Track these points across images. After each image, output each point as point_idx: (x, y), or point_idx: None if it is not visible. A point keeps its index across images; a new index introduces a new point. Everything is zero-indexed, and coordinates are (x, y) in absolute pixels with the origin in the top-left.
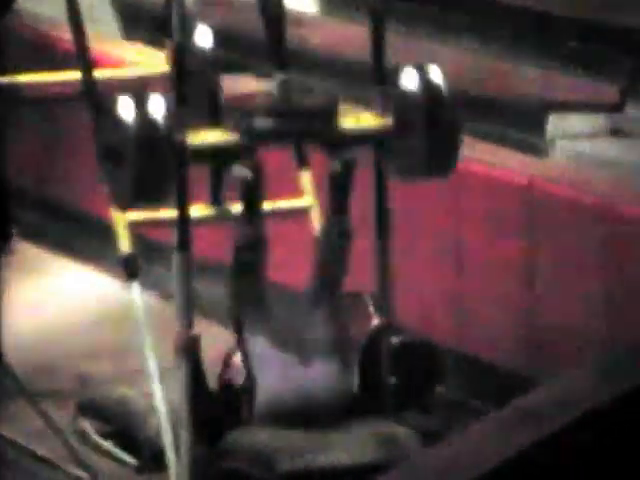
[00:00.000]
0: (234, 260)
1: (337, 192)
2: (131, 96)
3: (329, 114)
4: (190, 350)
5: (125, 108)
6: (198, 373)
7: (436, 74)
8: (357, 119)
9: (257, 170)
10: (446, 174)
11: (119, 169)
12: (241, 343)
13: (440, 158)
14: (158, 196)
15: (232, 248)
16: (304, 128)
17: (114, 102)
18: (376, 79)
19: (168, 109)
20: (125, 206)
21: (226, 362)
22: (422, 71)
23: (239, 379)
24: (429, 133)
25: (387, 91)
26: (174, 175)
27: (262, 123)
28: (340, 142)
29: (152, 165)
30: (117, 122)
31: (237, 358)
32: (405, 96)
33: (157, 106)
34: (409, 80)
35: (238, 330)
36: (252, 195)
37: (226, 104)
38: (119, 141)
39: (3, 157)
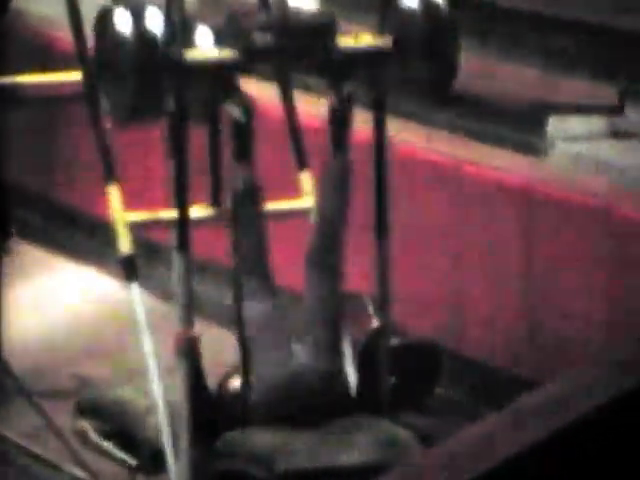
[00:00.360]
0: (232, 211)
1: (337, 128)
2: (129, 8)
3: (327, 31)
4: (190, 351)
5: (123, 22)
6: (198, 373)
7: None
8: (356, 38)
9: (248, 109)
10: (445, 93)
11: (118, 84)
12: (241, 340)
13: (440, 77)
14: (156, 110)
15: (228, 198)
16: (302, 44)
17: (112, 15)
18: None
19: (166, 24)
20: (124, 120)
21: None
22: None
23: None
24: (429, 52)
25: (386, 10)
26: (172, 90)
27: (260, 39)
28: (338, 62)
29: (150, 80)
30: (114, 37)
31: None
32: (405, 15)
33: (155, 20)
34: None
35: (237, 296)
36: (244, 138)
37: (224, 21)
38: (116, 57)
39: (2, 157)
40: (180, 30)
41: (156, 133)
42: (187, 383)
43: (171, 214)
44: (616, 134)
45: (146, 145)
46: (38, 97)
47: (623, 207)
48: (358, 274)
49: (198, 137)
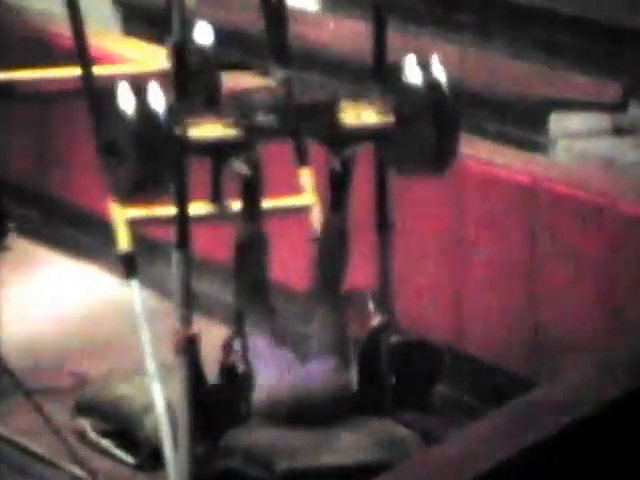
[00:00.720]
0: (236, 257)
1: (336, 190)
2: (131, 87)
3: (330, 110)
4: (189, 349)
5: (125, 100)
6: (197, 372)
7: (438, 69)
8: (358, 115)
9: (256, 166)
10: (446, 169)
11: (119, 162)
12: (241, 336)
13: (442, 154)
14: (157, 189)
15: (234, 245)
16: (304, 124)
17: (113, 93)
18: (377, 75)
19: (168, 102)
20: (124, 199)
21: (227, 347)
22: (424, 66)
23: (240, 367)
24: (432, 129)
25: (389, 87)
26: (173, 168)
27: (262, 118)
28: (341, 138)
29: (151, 158)
30: (117, 114)
31: (237, 346)
32: (407, 92)
33: (157, 98)
34: (411, 76)
35: (238, 327)
36: (251, 191)
37: (226, 99)
38: (119, 134)
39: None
40: (180, 27)
41: None
42: (186, 381)
43: (170, 211)
44: (619, 131)
45: None
46: (36, 93)
47: (626, 204)
48: (360, 272)
49: None
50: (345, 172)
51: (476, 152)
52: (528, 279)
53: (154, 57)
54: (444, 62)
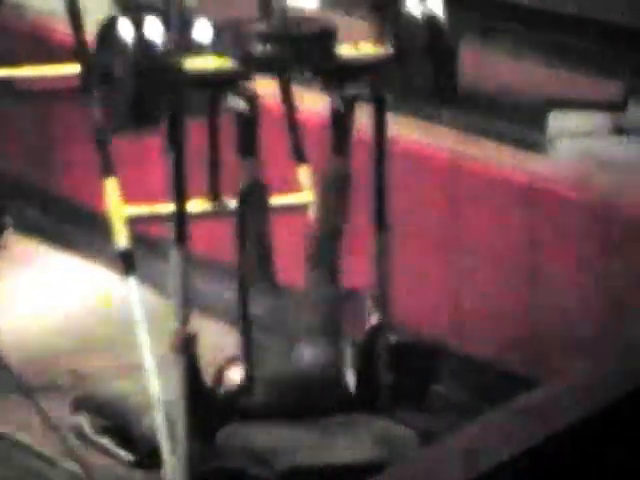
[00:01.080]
0: (238, 205)
1: (338, 132)
2: (129, 18)
3: (327, 40)
4: (187, 348)
5: (123, 30)
6: (195, 370)
7: (436, 2)
8: (356, 47)
9: (253, 101)
10: (445, 100)
11: (115, 92)
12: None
13: (440, 85)
14: (154, 119)
15: (238, 191)
16: (301, 54)
17: (112, 23)
18: (374, 5)
19: (165, 34)
20: (121, 127)
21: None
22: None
23: (237, 378)
24: (430, 60)
25: (387, 18)
26: (170, 99)
27: (259, 49)
28: (339, 70)
29: (148, 88)
30: (115, 44)
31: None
32: (405, 23)
33: (154, 29)
34: (409, 7)
35: (243, 294)
36: (249, 129)
37: (222, 29)
38: (116, 63)
39: None
40: (180, 38)
41: None
42: (184, 381)
43: (169, 208)
44: (618, 131)
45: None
46: (35, 90)
47: (625, 204)
48: (358, 271)
49: (196, 130)
50: (347, 112)
51: (474, 151)
52: (528, 278)
53: None
54: None
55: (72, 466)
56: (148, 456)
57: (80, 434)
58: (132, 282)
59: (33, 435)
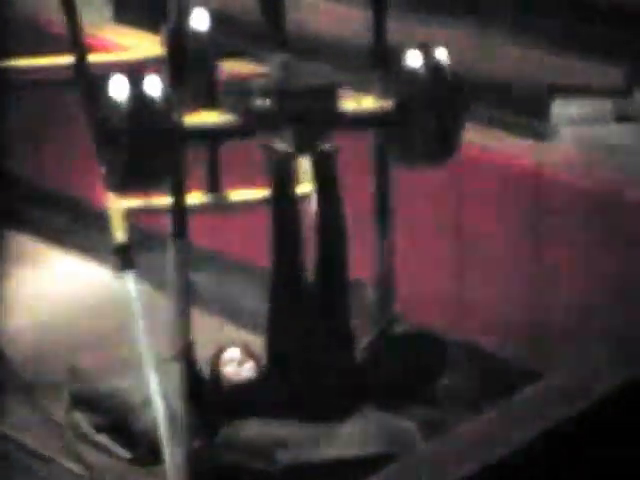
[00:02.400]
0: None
1: (321, 182)
2: (126, 75)
3: (328, 95)
4: (186, 355)
5: (120, 88)
6: (194, 375)
7: (440, 54)
8: (358, 102)
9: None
10: (447, 159)
11: (114, 151)
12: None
13: (442, 143)
14: (153, 178)
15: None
16: (302, 110)
17: (109, 81)
18: (377, 60)
19: (164, 89)
20: (120, 189)
21: (218, 357)
22: (426, 52)
23: (241, 372)
24: (432, 117)
25: (389, 73)
26: (170, 157)
27: (260, 104)
28: (340, 124)
29: (147, 146)
30: (112, 102)
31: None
32: (408, 78)
33: (153, 86)
34: (412, 61)
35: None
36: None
37: (223, 85)
38: (114, 122)
39: None
40: (179, 95)
41: None
42: (184, 386)
43: (167, 201)
44: (622, 118)
45: None
46: (31, 81)
47: (629, 191)
48: (360, 261)
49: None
50: (326, 164)
51: (478, 139)
52: (531, 267)
53: (148, 44)
54: (446, 48)
55: (71, 463)
56: (147, 453)
57: (78, 431)
58: (130, 277)
59: (32, 432)
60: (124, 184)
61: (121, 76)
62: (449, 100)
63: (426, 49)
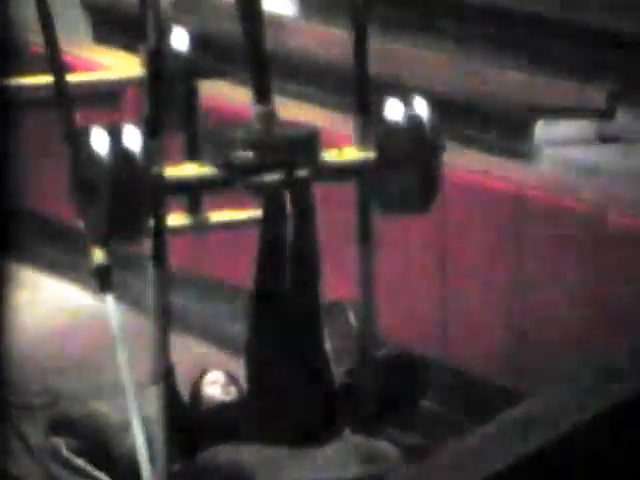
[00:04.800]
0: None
1: (297, 211)
2: (105, 128)
3: (311, 148)
4: (165, 378)
5: (99, 141)
6: (174, 399)
7: (421, 107)
8: (340, 152)
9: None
10: (428, 208)
11: (94, 204)
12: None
13: (422, 194)
14: (134, 232)
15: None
16: (284, 162)
17: (88, 134)
18: (359, 109)
19: (143, 141)
20: (100, 243)
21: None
22: (407, 103)
23: (224, 395)
24: (413, 168)
25: (371, 124)
26: (150, 210)
27: (241, 157)
28: (322, 175)
29: (128, 200)
30: (91, 156)
31: (219, 376)
32: (389, 131)
33: (132, 138)
34: (393, 112)
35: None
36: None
37: (205, 136)
38: (94, 176)
39: None
40: (156, 148)
41: None
42: (163, 410)
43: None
44: (606, 139)
45: None
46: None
47: (612, 213)
48: (342, 285)
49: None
50: (303, 218)
51: (460, 161)
52: (515, 290)
53: (128, 64)
54: (426, 70)
55: None
56: (127, 477)
57: (56, 455)
58: (109, 299)
59: (9, 457)
60: (105, 238)
61: (100, 129)
62: (429, 152)
63: (406, 99)
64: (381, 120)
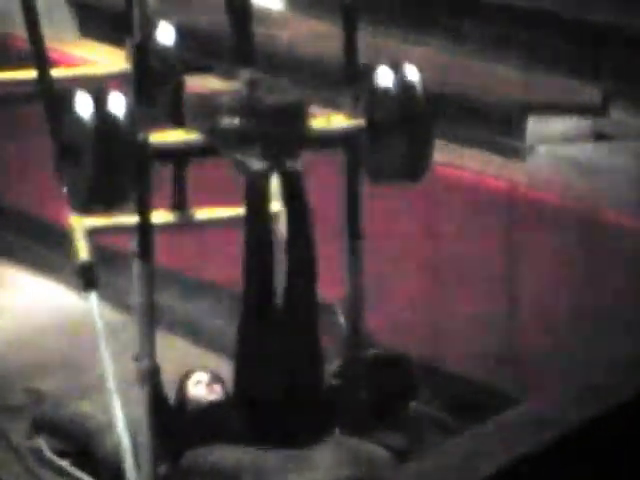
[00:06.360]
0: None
1: (288, 202)
2: (90, 93)
3: (297, 114)
4: (150, 379)
5: (84, 105)
6: (159, 399)
7: (412, 73)
8: (328, 120)
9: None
10: (419, 177)
11: (77, 169)
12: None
13: (414, 161)
14: (117, 198)
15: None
16: (270, 129)
17: (72, 98)
18: (348, 78)
19: (130, 108)
20: (83, 208)
21: (186, 380)
22: (397, 70)
23: (209, 395)
24: (403, 135)
25: (359, 91)
26: (134, 176)
27: (227, 123)
28: (309, 143)
29: (111, 165)
30: (76, 119)
31: (205, 377)
32: (379, 96)
33: (118, 104)
34: (383, 79)
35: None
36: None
37: (190, 103)
38: (77, 139)
39: None
40: (143, 114)
41: None
42: (148, 411)
43: (132, 220)
44: (600, 136)
45: None
46: None
47: (607, 211)
48: (330, 284)
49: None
50: (292, 185)
51: (452, 158)
52: (507, 290)
53: (113, 59)
54: (418, 65)
55: None
56: (111, 479)
57: (39, 457)
58: (93, 297)
59: None
60: (88, 203)
61: (85, 93)
62: (420, 119)
63: (396, 66)
64: (370, 87)
